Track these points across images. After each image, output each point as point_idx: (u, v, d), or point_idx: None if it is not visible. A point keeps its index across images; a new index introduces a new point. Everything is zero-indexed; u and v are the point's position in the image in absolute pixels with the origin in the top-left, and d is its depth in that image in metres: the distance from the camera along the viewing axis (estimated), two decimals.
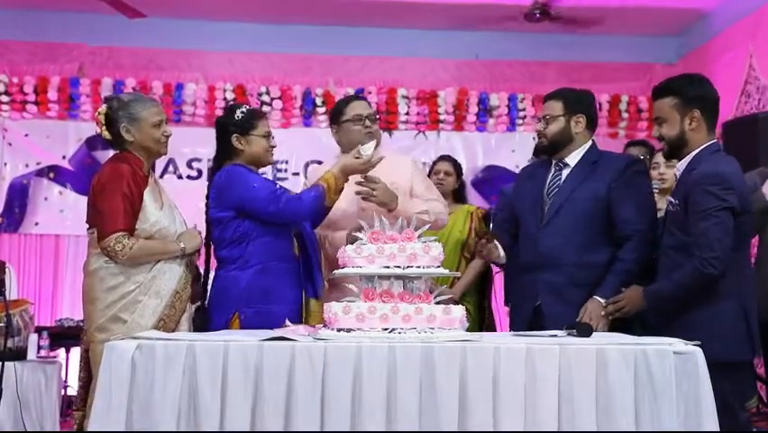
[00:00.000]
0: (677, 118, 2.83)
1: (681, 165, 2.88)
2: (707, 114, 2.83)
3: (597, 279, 3.01)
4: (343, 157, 3.16)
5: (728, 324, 2.71)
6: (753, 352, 2.76)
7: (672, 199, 2.89)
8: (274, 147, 3.25)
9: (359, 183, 3.14)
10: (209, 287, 3.19)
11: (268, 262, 3.08)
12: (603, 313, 2.93)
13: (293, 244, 3.15)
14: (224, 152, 3.25)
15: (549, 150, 3.27)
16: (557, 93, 3.30)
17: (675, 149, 2.88)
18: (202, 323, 3.13)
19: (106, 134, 3.13)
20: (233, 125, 3.20)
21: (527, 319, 3.11)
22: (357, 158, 3.07)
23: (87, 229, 3.11)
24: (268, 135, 3.22)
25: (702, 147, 2.82)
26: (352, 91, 6.98)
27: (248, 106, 3.31)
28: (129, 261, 2.97)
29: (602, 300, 2.95)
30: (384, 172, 3.29)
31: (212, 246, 3.17)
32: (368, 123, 3.41)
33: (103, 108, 3.15)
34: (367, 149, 3.05)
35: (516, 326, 3.19)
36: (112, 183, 3.00)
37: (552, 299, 3.08)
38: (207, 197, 3.20)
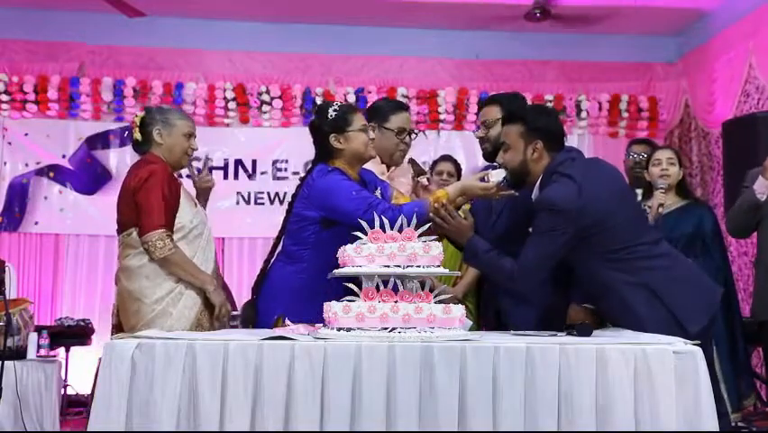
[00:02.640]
0: (521, 146, 2.88)
1: (534, 194, 2.90)
2: (550, 145, 2.87)
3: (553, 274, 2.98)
4: (467, 179, 3.08)
5: (642, 317, 2.71)
6: (682, 334, 2.67)
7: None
8: (373, 140, 3.14)
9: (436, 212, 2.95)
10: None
11: (325, 273, 2.90)
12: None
13: None
14: (324, 153, 3.09)
15: (494, 155, 3.22)
16: (493, 98, 3.36)
17: (519, 177, 2.91)
18: (251, 316, 3.11)
19: (138, 135, 3.25)
20: (328, 125, 3.06)
21: (492, 325, 3.14)
22: (482, 180, 2.97)
23: (122, 232, 3.19)
24: (365, 129, 3.09)
25: (543, 172, 2.86)
26: (351, 91, 6.99)
27: (340, 103, 3.22)
28: (162, 261, 3.09)
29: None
30: (406, 182, 3.48)
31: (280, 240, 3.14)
32: (407, 139, 3.44)
33: (141, 113, 3.30)
34: (497, 175, 2.94)
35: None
36: (151, 181, 3.12)
37: (511, 301, 3.10)
38: (297, 190, 3.12)
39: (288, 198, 3.20)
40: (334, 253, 2.55)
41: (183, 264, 3.14)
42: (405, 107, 3.54)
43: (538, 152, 2.85)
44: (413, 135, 3.46)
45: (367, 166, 3.33)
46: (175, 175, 3.28)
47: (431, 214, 2.88)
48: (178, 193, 3.18)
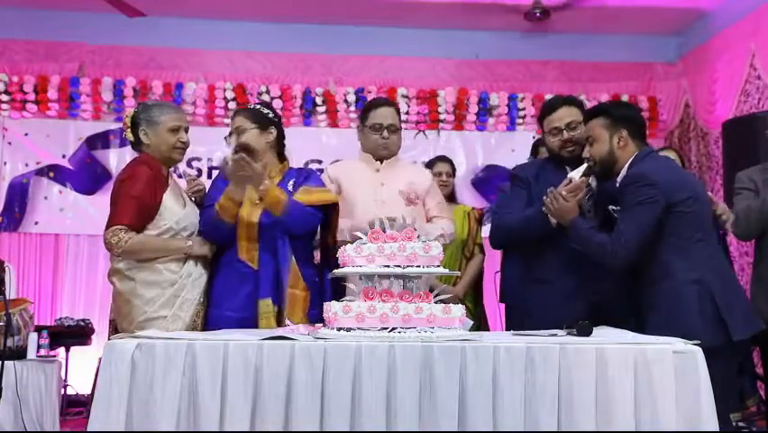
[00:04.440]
0: (606, 137, 3.02)
1: (620, 178, 2.99)
2: (634, 133, 3.02)
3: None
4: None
5: (691, 312, 2.76)
6: (725, 337, 2.74)
7: (615, 207, 3.01)
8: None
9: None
10: None
11: (221, 266, 3.19)
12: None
13: (238, 251, 3.16)
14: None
15: (581, 156, 3.26)
16: (568, 101, 3.36)
17: (607, 167, 3.04)
18: None
19: (130, 136, 3.23)
20: None
21: (580, 314, 2.90)
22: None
23: None
24: (231, 133, 3.30)
25: (633, 157, 2.99)
26: (351, 91, 6.98)
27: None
28: (125, 255, 3.05)
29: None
30: (405, 173, 3.56)
31: None
32: (385, 134, 3.54)
33: (130, 111, 3.27)
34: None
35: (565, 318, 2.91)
36: (125, 183, 3.10)
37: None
38: None
39: None
40: (224, 245, 3.07)
41: (147, 246, 3.06)
42: (381, 103, 3.67)
43: (623, 140, 3.00)
44: (394, 129, 3.57)
45: (363, 161, 3.58)
46: (166, 174, 3.22)
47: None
48: (157, 193, 3.12)
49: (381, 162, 3.60)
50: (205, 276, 3.18)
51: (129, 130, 3.23)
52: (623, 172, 2.99)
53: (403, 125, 6.98)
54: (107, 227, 3.04)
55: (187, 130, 3.27)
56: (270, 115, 3.34)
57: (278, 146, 3.37)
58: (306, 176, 3.31)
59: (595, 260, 2.96)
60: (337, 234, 3.28)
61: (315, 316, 2.91)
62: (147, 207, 3.07)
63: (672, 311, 2.78)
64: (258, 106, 3.40)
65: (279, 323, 3.01)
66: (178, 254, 3.10)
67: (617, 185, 3.00)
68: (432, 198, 3.64)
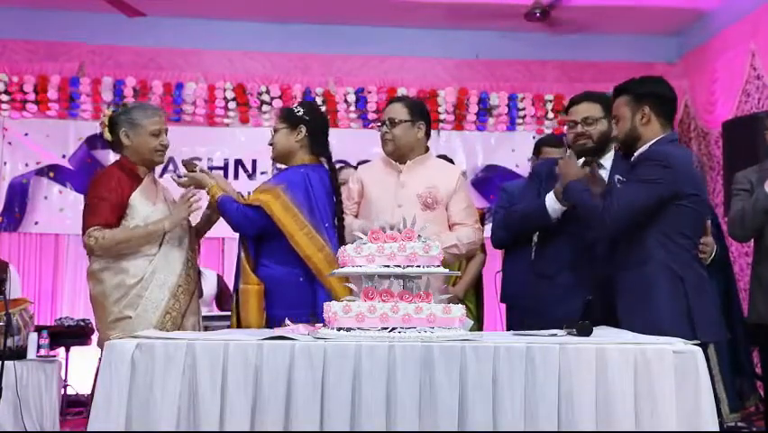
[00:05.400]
0: (628, 114, 2.96)
1: (637, 154, 2.96)
2: (658, 109, 2.95)
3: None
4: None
5: (663, 304, 2.76)
6: (689, 336, 2.64)
7: (621, 177, 3.00)
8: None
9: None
10: None
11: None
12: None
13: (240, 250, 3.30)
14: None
15: (596, 151, 3.24)
16: (590, 97, 3.32)
17: (628, 143, 2.99)
18: None
19: (108, 136, 3.24)
20: None
21: (580, 312, 2.95)
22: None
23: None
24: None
25: (658, 138, 2.92)
26: (351, 91, 6.98)
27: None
28: (106, 253, 3.07)
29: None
30: (429, 175, 3.47)
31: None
32: (384, 128, 3.51)
33: (108, 111, 3.27)
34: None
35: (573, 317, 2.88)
36: (95, 183, 3.15)
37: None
38: None
39: None
40: None
41: (124, 237, 3.08)
42: (393, 100, 3.65)
43: (646, 116, 2.94)
44: (395, 123, 3.49)
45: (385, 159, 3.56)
46: (142, 175, 3.24)
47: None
48: (125, 192, 3.15)
49: (405, 163, 3.52)
50: (176, 277, 3.16)
51: (107, 129, 3.23)
52: (640, 151, 2.93)
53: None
54: (83, 233, 3.09)
55: (166, 132, 3.30)
56: (300, 113, 3.34)
57: (313, 144, 3.34)
58: (271, 178, 3.36)
59: (584, 220, 2.96)
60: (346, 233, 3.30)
61: (303, 316, 2.91)
62: (116, 205, 3.12)
63: (643, 299, 2.78)
64: (294, 106, 3.44)
65: (239, 316, 3.15)
66: (157, 235, 3.13)
67: (633, 158, 2.95)
68: (456, 203, 3.49)
